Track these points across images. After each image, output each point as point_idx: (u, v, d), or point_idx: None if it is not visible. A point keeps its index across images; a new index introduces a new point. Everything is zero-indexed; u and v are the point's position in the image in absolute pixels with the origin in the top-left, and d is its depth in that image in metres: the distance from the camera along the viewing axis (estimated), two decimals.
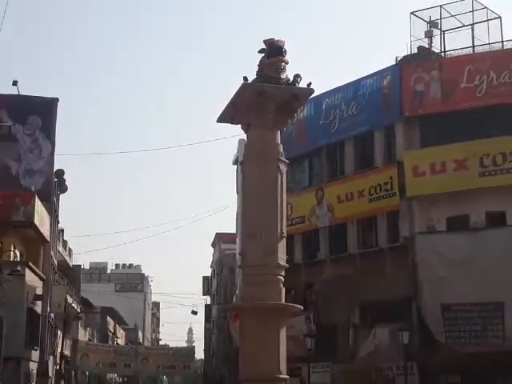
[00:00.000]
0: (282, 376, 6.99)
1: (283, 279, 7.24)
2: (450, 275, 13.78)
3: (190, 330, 58.85)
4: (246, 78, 7.07)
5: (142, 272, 59.74)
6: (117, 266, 59.05)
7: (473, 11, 16.59)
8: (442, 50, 17.21)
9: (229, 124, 8.52)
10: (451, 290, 13.74)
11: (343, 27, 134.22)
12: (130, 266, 60.78)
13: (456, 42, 16.87)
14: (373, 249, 16.70)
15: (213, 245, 37.95)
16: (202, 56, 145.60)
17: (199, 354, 42.70)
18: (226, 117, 7.98)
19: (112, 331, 38.45)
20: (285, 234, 7.41)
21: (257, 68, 7.44)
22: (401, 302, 14.86)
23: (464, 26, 16.84)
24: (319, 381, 15.97)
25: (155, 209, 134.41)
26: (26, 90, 21.13)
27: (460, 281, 13.60)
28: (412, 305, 14.79)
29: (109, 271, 57.26)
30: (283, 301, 7.27)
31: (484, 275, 13.24)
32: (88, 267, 50.08)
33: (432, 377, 14.17)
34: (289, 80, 7.32)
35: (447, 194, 14.98)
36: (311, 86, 7.54)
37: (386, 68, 16.96)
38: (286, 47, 7.43)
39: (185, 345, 54.01)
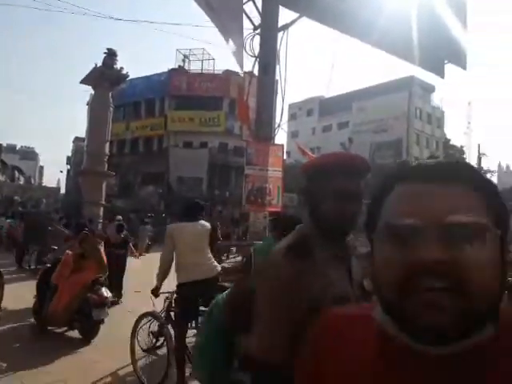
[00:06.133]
0: (102, 202, 16.74)
1: (107, 159, 16.86)
2: (183, 163, 32.10)
3: (58, 181, 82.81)
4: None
5: None
6: None
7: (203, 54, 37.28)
8: (188, 69, 37.48)
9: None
10: (181, 171, 32.31)
11: None
12: None
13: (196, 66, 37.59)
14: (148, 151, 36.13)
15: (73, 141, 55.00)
16: None
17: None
18: (87, 81, 16.66)
19: None
20: (108, 140, 17.01)
21: (103, 61, 16.46)
22: (161, 173, 32.93)
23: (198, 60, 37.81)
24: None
25: None
26: None
27: (185, 167, 32.01)
28: (165, 175, 32.93)
29: None
30: (105, 169, 16.93)
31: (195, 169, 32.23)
32: None
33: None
34: (121, 69, 16.59)
35: (185, 131, 34.59)
36: (126, 72, 17.24)
37: (165, 72, 36.26)
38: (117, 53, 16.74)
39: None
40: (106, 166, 17.19)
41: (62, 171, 59.52)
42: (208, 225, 4.28)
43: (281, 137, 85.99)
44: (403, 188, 0.58)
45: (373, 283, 0.60)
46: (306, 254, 1.22)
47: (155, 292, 4.01)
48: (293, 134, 45.55)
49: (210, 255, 4.24)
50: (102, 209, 16.36)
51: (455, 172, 0.57)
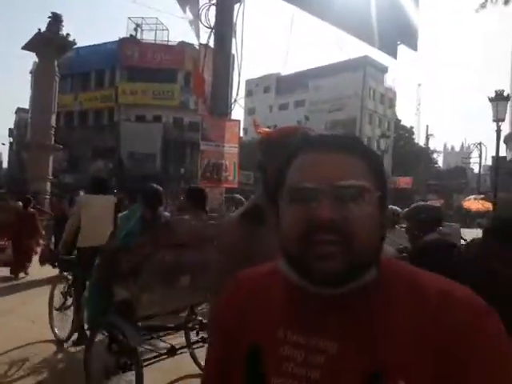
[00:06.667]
0: (49, 177, 15.94)
1: (53, 132, 15.98)
2: (135, 138, 30.39)
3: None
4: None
5: None
6: None
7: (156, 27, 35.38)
8: (141, 39, 35.34)
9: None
10: (133, 146, 30.93)
11: None
12: None
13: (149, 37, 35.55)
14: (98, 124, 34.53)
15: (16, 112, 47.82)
16: None
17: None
18: (30, 47, 15.48)
19: None
20: (54, 111, 16.08)
21: (47, 26, 15.31)
22: (112, 148, 31.71)
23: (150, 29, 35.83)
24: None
25: None
26: None
27: (137, 142, 30.54)
28: (116, 150, 31.70)
29: None
30: (52, 143, 16.06)
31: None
32: None
33: None
34: (67, 36, 15.53)
35: (137, 104, 33.06)
36: (73, 39, 16.21)
37: (116, 41, 34.21)
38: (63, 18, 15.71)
39: None
40: (53, 139, 16.29)
41: (3, 144, 54.46)
42: (114, 199, 4.83)
43: (238, 114, 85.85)
44: (304, 157, 0.67)
45: (279, 239, 0.67)
46: (258, 221, 1.30)
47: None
48: (250, 111, 45.29)
49: (111, 226, 4.55)
50: (49, 184, 15.62)
51: (345, 144, 0.66)
